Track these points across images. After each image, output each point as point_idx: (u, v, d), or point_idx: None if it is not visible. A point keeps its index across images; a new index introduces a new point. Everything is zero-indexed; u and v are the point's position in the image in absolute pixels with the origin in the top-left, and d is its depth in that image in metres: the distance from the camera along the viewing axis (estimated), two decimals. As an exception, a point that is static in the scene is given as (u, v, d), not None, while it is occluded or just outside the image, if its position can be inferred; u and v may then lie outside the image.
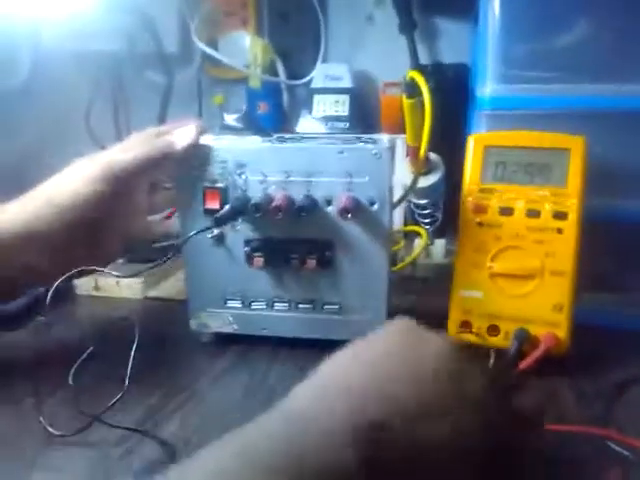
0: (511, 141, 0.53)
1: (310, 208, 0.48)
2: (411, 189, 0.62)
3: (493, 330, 0.53)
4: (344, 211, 0.47)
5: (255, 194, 0.50)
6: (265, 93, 0.85)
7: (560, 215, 0.51)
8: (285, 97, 0.88)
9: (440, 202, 0.74)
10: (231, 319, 0.54)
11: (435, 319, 0.56)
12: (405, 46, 0.83)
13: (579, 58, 0.56)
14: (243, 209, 0.49)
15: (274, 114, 0.86)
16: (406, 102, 0.61)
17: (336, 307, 0.52)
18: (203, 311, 0.54)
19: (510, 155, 0.53)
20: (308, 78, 0.85)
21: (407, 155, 0.70)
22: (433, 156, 0.70)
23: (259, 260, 0.51)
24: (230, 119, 0.56)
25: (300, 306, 0.53)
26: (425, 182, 0.69)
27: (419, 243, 0.73)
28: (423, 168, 0.61)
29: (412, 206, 0.74)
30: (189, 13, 0.86)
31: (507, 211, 0.53)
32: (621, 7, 0.54)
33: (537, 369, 0.49)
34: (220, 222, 0.47)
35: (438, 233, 0.78)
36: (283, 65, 0.87)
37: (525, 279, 0.52)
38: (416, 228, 0.76)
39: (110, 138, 0.95)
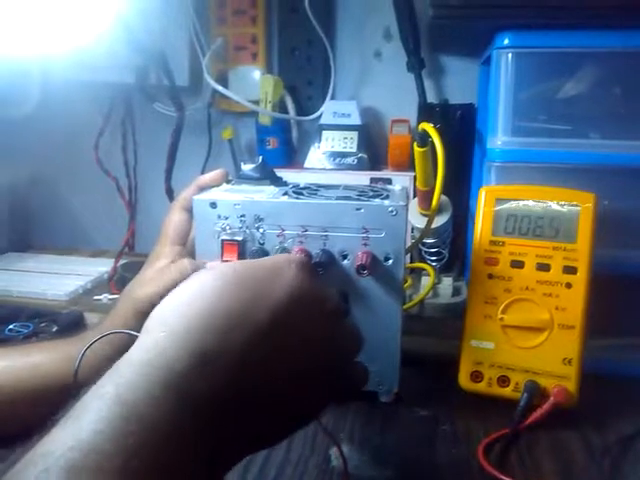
0: (523, 195, 0.55)
1: (327, 264, 0.49)
2: (425, 234, 0.63)
3: (503, 381, 0.54)
4: (361, 268, 0.48)
5: (272, 247, 0.51)
6: (275, 128, 0.86)
7: (570, 270, 0.52)
8: (294, 132, 0.89)
9: (448, 240, 0.76)
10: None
11: (444, 365, 0.58)
12: (413, 82, 0.84)
13: (590, 112, 0.58)
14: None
15: (283, 149, 0.87)
16: (418, 150, 0.62)
17: (350, 357, 0.53)
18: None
19: (521, 209, 0.54)
20: (317, 114, 0.86)
21: (416, 197, 0.72)
22: (442, 197, 0.71)
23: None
24: (247, 169, 0.57)
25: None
26: (435, 223, 0.70)
27: (427, 282, 0.74)
28: (435, 214, 0.62)
29: (419, 244, 0.75)
30: (200, 48, 0.87)
31: (518, 264, 0.54)
32: (633, 65, 0.56)
33: (545, 421, 0.51)
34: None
35: (444, 269, 0.79)
36: (292, 100, 0.88)
37: (535, 332, 0.53)
38: (423, 265, 0.77)
39: (118, 168, 0.96)
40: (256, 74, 0.88)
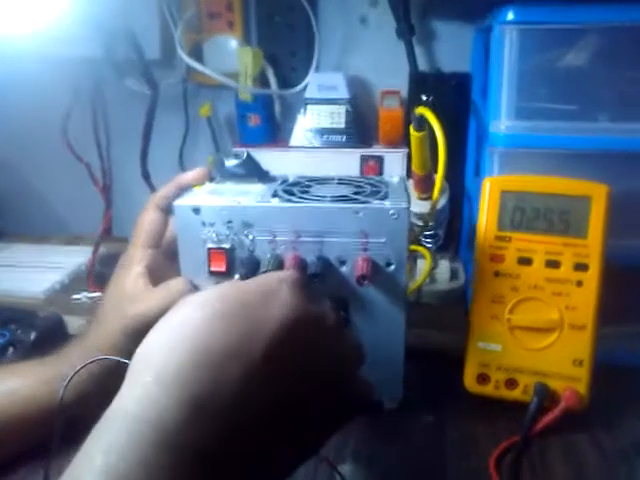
0: (530, 186, 0.51)
1: (323, 273, 0.46)
2: (428, 222, 0.59)
3: (511, 384, 0.51)
4: (362, 278, 0.45)
5: (263, 255, 0.47)
6: (256, 104, 0.80)
7: (581, 267, 0.49)
8: (277, 107, 0.83)
9: (445, 222, 0.72)
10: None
11: (447, 361, 0.55)
12: (402, 50, 0.78)
13: (599, 93, 0.53)
14: (252, 273, 0.46)
15: (266, 126, 0.82)
16: (415, 135, 0.58)
17: (350, 366, 0.50)
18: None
19: (529, 201, 0.51)
20: (301, 87, 0.81)
21: (410, 179, 0.68)
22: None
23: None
24: (231, 165, 0.52)
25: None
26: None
27: (424, 266, 0.71)
28: (435, 207, 0.58)
29: (414, 227, 0.72)
30: (171, 16, 0.79)
31: (525, 261, 0.51)
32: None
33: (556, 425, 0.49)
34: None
35: (439, 249, 0.76)
36: (273, 72, 0.81)
37: (544, 332, 0.50)
38: (419, 248, 0.73)
39: (89, 149, 0.90)
40: (233, 44, 0.82)
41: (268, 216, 0.46)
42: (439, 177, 0.55)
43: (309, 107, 0.80)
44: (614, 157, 0.53)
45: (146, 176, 0.79)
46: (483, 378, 0.52)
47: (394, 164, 0.78)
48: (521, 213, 0.51)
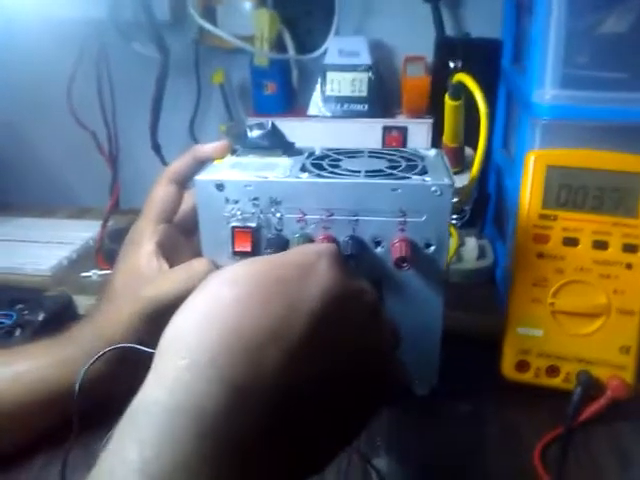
0: (578, 161, 0.47)
1: (358, 255, 0.42)
2: (462, 198, 0.55)
3: (553, 371, 0.48)
4: (401, 261, 0.41)
5: (292, 234, 0.44)
6: (272, 71, 0.75)
7: (630, 248, 0.46)
8: (294, 74, 0.79)
9: (473, 197, 0.69)
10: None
11: (480, 345, 0.53)
12: (428, 13, 0.74)
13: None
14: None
15: (283, 94, 0.77)
16: (450, 103, 0.54)
17: (382, 352, 0.47)
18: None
19: (576, 178, 0.47)
20: (320, 52, 0.76)
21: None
22: (469, 151, 0.63)
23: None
24: (254, 135, 0.48)
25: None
26: (462, 181, 0.63)
27: (450, 245, 0.68)
28: (473, 183, 0.54)
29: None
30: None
31: (571, 242, 0.47)
32: None
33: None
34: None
35: (466, 226, 0.73)
36: (290, 36, 0.77)
37: (590, 317, 0.47)
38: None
39: (94, 115, 0.85)
40: (248, 5, 0.77)
41: (298, 192, 0.43)
42: (480, 150, 0.51)
43: (329, 74, 0.75)
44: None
45: (157, 149, 0.75)
46: (522, 365, 0.49)
47: (418, 135, 0.74)
48: (568, 190, 0.47)
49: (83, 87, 0.83)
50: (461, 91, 0.53)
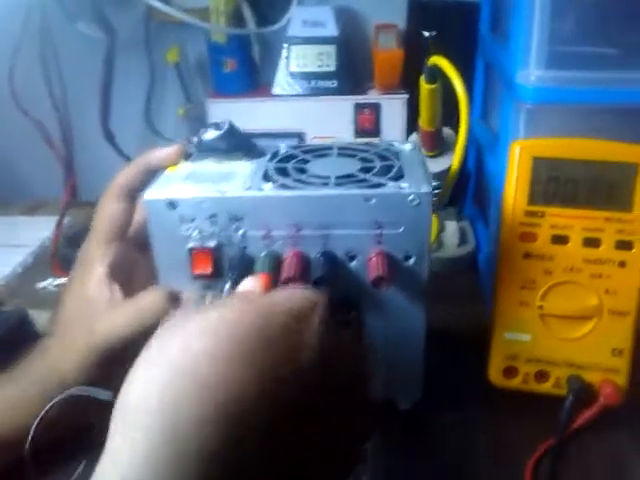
0: (567, 152, 0.43)
1: (330, 277, 0.38)
2: (445, 192, 0.51)
3: (542, 376, 0.46)
4: (378, 281, 0.37)
5: (258, 253, 0.39)
6: (231, 47, 0.69)
7: (624, 245, 0.43)
8: (256, 49, 0.72)
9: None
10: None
11: (465, 343, 0.50)
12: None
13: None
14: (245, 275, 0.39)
15: (244, 71, 0.71)
16: (425, 87, 0.50)
17: (362, 368, 0.44)
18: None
19: (565, 170, 0.43)
20: (282, 23, 0.69)
21: (415, 133, 0.60)
22: (447, 132, 0.59)
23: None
24: (210, 137, 0.43)
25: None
26: (442, 165, 0.59)
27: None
28: (456, 172, 0.50)
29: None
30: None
31: (561, 240, 0.44)
32: None
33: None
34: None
35: (445, 206, 0.69)
36: (250, 7, 0.70)
37: (581, 320, 0.44)
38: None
39: (40, 102, 0.78)
40: (200, -27, 0.70)
41: (261, 207, 0.38)
42: (461, 141, 0.47)
43: (293, 48, 0.69)
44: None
45: (109, 137, 0.69)
46: (510, 371, 0.46)
47: (393, 113, 0.69)
48: (556, 184, 0.43)
49: (28, 71, 0.75)
50: (437, 74, 0.48)
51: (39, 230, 0.73)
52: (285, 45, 0.69)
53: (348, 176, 0.40)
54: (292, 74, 0.69)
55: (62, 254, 0.64)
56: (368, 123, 0.69)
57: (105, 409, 0.40)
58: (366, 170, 0.41)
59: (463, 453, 0.43)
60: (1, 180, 0.87)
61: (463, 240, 0.66)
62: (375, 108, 0.69)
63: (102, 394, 0.36)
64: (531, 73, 0.46)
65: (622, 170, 0.42)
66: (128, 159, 0.73)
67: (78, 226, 0.71)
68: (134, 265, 0.43)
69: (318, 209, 0.38)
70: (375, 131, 0.70)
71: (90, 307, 0.40)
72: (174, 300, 0.38)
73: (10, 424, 0.39)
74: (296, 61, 0.69)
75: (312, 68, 0.69)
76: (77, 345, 0.40)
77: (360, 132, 0.70)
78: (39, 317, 0.57)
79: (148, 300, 0.38)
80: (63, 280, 0.62)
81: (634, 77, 0.44)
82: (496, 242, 0.46)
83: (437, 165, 0.59)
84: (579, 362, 0.45)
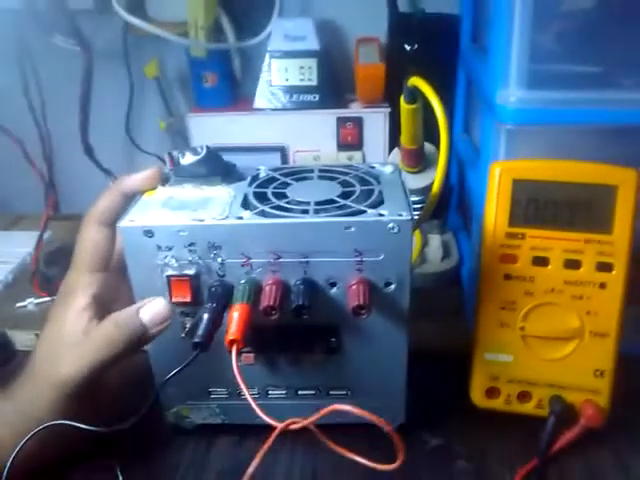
0: (546, 174, 0.43)
1: (309, 303, 0.38)
2: (428, 211, 0.51)
3: (524, 397, 0.46)
4: (358, 309, 0.37)
5: (237, 280, 0.39)
6: (212, 61, 0.68)
7: (604, 267, 0.43)
8: (236, 63, 0.72)
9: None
10: (217, 410, 0.45)
11: (447, 361, 0.49)
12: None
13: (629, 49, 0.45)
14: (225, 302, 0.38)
15: (225, 86, 0.71)
16: (405, 107, 0.49)
17: (344, 392, 0.44)
18: (182, 404, 0.45)
19: (545, 192, 0.43)
20: (263, 37, 0.69)
21: (396, 148, 0.59)
22: (429, 148, 0.59)
23: (248, 357, 0.42)
24: (188, 162, 0.42)
25: (300, 392, 0.44)
26: (424, 181, 0.59)
27: (413, 247, 0.64)
28: (439, 191, 0.50)
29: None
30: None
31: (541, 261, 0.44)
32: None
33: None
34: (204, 347, 0.36)
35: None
36: (230, 21, 0.69)
37: (562, 341, 0.44)
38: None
39: (20, 117, 0.77)
40: (179, -15, 0.69)
41: (239, 235, 0.38)
42: (442, 161, 0.46)
43: (274, 61, 0.69)
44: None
45: (89, 152, 0.68)
46: (492, 392, 0.46)
47: (375, 126, 0.68)
48: (536, 206, 0.43)
49: (5, 87, 0.74)
50: (417, 94, 0.48)
51: (20, 246, 0.72)
52: (266, 59, 0.68)
53: (328, 202, 0.40)
54: (273, 88, 0.69)
55: (42, 272, 0.63)
56: (351, 137, 0.69)
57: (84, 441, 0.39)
58: (346, 195, 0.41)
59: (445, 474, 0.43)
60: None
61: (447, 254, 0.66)
62: (357, 121, 0.68)
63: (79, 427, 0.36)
64: (511, 94, 0.45)
65: (602, 192, 0.42)
66: (109, 173, 0.73)
67: (58, 242, 0.70)
68: (119, 296, 0.42)
69: (297, 237, 0.38)
70: (358, 144, 0.69)
71: (58, 342, 0.39)
72: (140, 325, 0.38)
73: None
74: (277, 75, 0.69)
75: (293, 82, 0.68)
76: (43, 391, 0.39)
77: (343, 145, 0.70)
78: (19, 338, 0.57)
79: (105, 329, 0.38)
80: (43, 299, 0.61)
81: (616, 97, 0.45)
82: (478, 259, 0.46)
83: (419, 181, 0.59)
84: (561, 383, 0.45)
